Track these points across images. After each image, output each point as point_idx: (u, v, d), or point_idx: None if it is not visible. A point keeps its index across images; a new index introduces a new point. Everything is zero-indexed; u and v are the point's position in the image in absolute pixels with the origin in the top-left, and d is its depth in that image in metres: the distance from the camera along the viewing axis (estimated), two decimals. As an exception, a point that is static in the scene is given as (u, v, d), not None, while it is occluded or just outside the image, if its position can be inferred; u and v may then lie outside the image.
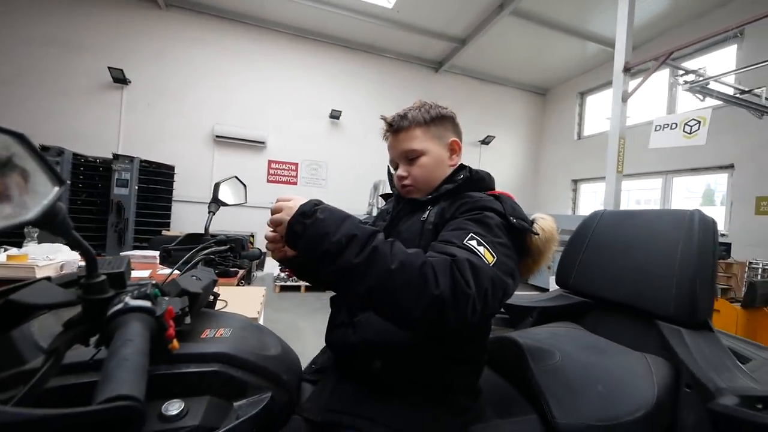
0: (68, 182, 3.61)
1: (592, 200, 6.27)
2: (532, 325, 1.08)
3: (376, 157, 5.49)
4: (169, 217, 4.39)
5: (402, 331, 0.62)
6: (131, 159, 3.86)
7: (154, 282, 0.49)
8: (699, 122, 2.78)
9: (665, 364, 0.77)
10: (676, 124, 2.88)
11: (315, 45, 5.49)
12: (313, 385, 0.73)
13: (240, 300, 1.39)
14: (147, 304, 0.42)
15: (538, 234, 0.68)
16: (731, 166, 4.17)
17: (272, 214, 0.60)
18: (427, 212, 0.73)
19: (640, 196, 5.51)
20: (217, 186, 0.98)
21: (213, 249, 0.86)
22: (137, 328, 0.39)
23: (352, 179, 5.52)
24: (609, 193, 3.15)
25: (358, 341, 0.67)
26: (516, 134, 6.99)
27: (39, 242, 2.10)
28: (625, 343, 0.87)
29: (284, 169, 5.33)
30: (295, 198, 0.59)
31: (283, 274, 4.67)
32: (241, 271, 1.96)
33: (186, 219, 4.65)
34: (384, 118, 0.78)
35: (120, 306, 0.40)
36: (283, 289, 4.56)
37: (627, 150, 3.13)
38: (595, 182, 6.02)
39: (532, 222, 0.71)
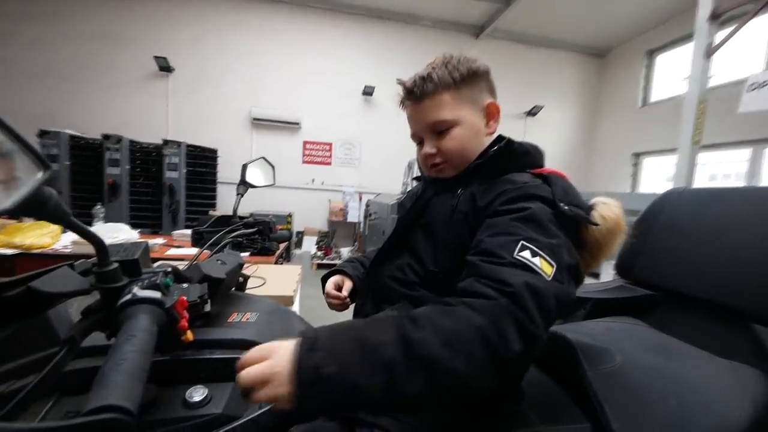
0: (127, 167, 3.93)
1: (655, 176, 5.58)
2: (584, 319, 0.96)
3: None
4: (215, 198, 4.66)
5: None
6: (179, 144, 4.09)
7: (168, 269, 0.46)
8: (809, 77, 2.27)
9: (762, 377, 0.63)
10: (777, 80, 2.38)
11: (348, 19, 5.31)
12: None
13: (277, 278, 1.42)
14: (156, 294, 0.40)
15: (597, 224, 0.55)
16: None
17: (241, 382, 0.39)
18: (458, 197, 0.62)
19: (717, 170, 4.79)
20: (244, 168, 0.97)
21: (241, 232, 0.85)
22: (143, 321, 0.36)
23: (387, 158, 5.42)
24: (681, 167, 2.73)
25: None
26: (567, 104, 6.35)
27: (105, 222, 2.34)
28: (703, 346, 0.73)
29: (319, 150, 5.36)
30: (268, 354, 0.40)
31: (320, 253, 4.81)
32: (280, 249, 2.01)
33: (230, 199, 4.89)
34: (402, 83, 0.66)
35: (128, 297, 0.38)
36: (320, 266, 4.71)
37: (706, 116, 2.67)
38: (663, 155, 5.32)
39: (591, 208, 0.58)
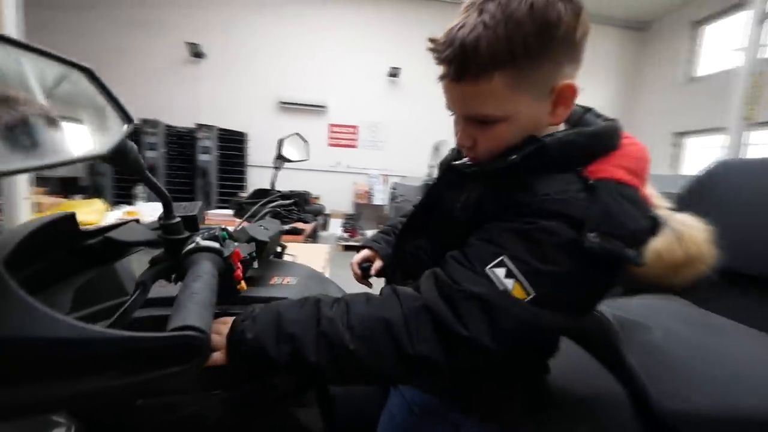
0: (163, 150, 4.14)
1: (700, 159, 5.19)
2: (621, 296, 0.94)
3: (437, 115, 5.18)
4: (244, 180, 4.83)
5: None
6: (210, 128, 4.25)
7: (223, 227, 0.50)
8: None
9: None
10: None
11: (371, 1, 5.22)
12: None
13: (307, 255, 1.48)
14: (215, 244, 0.44)
15: (640, 265, 0.41)
16: None
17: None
18: (466, 192, 0.52)
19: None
20: (280, 142, 1.00)
21: (279, 202, 0.89)
22: (207, 266, 0.40)
23: (412, 140, 5.35)
24: (733, 147, 2.53)
25: None
26: (604, 82, 5.96)
27: (147, 201, 2.51)
28: (753, 324, 0.71)
29: (344, 132, 5.38)
30: (224, 323, 0.47)
31: (346, 234, 4.91)
32: (308, 228, 2.08)
33: (258, 182, 5.07)
34: (436, 46, 0.47)
35: (192, 245, 0.42)
36: (347, 248, 4.82)
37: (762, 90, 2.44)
38: (710, 134, 4.92)
39: (654, 227, 0.43)
